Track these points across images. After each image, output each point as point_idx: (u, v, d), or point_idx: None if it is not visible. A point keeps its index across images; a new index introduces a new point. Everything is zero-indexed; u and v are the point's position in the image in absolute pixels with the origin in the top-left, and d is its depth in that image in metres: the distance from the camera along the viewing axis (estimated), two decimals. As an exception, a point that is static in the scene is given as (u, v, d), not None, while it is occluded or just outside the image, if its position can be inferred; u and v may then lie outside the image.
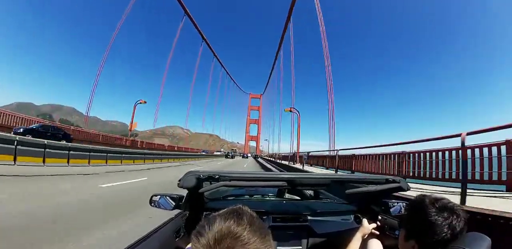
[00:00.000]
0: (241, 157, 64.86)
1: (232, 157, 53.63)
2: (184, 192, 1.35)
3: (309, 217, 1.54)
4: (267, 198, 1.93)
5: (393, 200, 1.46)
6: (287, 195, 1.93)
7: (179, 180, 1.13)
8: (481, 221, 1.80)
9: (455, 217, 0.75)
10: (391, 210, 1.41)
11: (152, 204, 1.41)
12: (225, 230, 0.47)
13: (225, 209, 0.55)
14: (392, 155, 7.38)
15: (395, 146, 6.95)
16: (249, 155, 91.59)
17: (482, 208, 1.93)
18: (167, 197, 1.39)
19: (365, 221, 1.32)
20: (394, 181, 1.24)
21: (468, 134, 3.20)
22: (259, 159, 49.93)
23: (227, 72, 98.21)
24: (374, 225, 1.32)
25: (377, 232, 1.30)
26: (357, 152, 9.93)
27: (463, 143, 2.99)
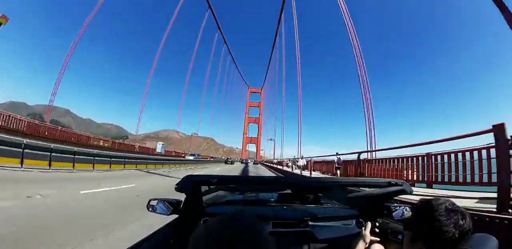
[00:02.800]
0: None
1: (232, 162, 51.71)
2: (182, 197, 1.33)
3: (310, 222, 1.51)
4: (267, 203, 1.90)
5: (395, 204, 1.45)
6: (287, 200, 1.90)
7: (176, 184, 1.11)
8: (488, 223, 1.80)
9: (462, 218, 0.76)
10: (394, 214, 1.40)
11: (150, 209, 1.39)
12: (224, 239, 0.44)
13: (224, 215, 0.52)
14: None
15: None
16: (249, 161, 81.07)
17: (489, 210, 1.93)
18: (164, 201, 1.36)
19: (367, 226, 1.30)
20: (396, 184, 1.22)
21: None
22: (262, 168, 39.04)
23: (232, 58, 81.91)
24: (376, 230, 1.30)
25: (378, 239, 1.28)
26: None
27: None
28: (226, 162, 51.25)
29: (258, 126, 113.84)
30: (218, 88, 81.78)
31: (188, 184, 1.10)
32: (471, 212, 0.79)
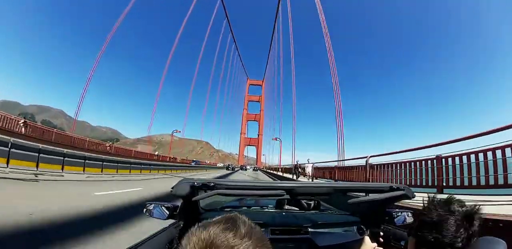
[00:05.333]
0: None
1: (233, 169, 51.87)
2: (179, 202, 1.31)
3: (310, 229, 1.48)
4: (266, 210, 1.87)
5: (397, 210, 1.44)
6: (286, 207, 1.87)
7: (173, 188, 1.10)
8: (493, 227, 1.76)
9: (468, 221, 0.72)
10: (396, 220, 1.38)
11: (146, 214, 1.37)
12: (219, 240, 0.43)
13: (220, 217, 0.51)
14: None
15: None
16: (248, 167, 68.55)
17: (494, 214, 1.90)
18: (161, 206, 1.34)
19: (367, 238, 1.26)
20: (398, 189, 1.19)
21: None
22: None
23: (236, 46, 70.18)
24: (378, 237, 1.28)
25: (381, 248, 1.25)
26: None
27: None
28: (227, 168, 52.41)
29: (259, 125, 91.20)
30: (213, 75, 65.26)
31: (184, 188, 1.07)
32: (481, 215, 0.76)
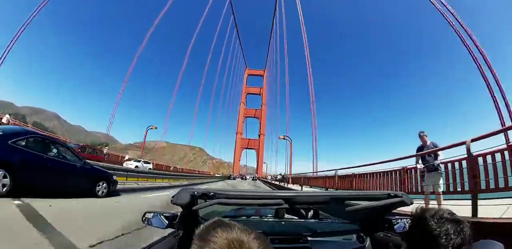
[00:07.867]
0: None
1: (234, 178, 51.49)
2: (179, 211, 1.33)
3: (309, 238, 1.48)
4: (265, 219, 1.87)
5: (397, 217, 1.45)
6: (286, 216, 1.87)
7: (173, 197, 1.12)
8: (491, 231, 1.79)
9: (457, 228, 0.74)
10: (395, 226, 1.40)
11: (145, 222, 1.37)
12: (238, 241, 0.46)
13: (212, 221, 0.55)
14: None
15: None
16: (248, 177, 60.07)
17: (490, 217, 1.96)
18: (160, 215, 1.36)
19: (368, 241, 1.27)
20: (395, 196, 1.21)
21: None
22: None
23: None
24: (377, 245, 1.29)
25: None
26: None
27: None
28: (229, 178, 52.05)
29: (260, 123, 72.80)
30: (208, 65, 54.71)
31: (184, 197, 1.09)
32: (474, 220, 0.79)
